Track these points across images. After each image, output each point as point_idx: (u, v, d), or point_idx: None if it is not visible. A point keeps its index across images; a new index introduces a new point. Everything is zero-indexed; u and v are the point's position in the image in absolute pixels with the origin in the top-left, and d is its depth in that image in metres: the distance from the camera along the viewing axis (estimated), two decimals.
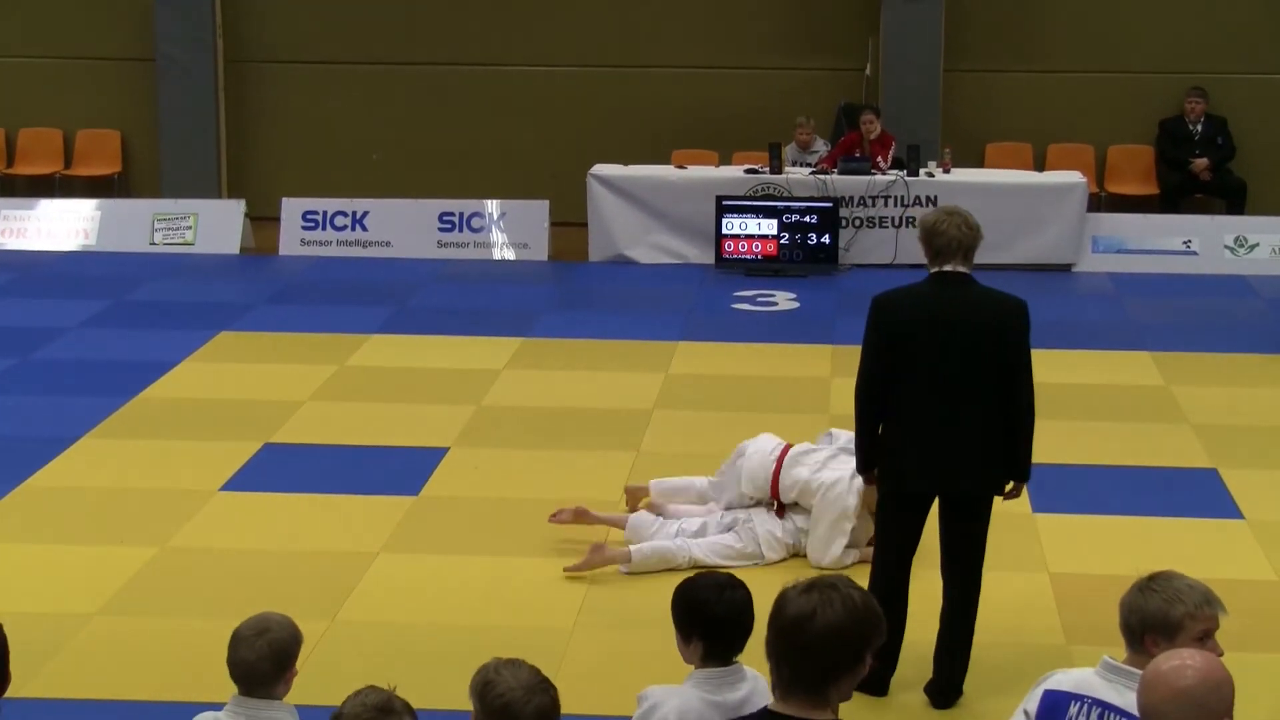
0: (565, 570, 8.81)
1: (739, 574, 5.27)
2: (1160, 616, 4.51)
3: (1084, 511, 9.87)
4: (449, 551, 9.25)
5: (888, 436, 7.29)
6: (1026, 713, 4.62)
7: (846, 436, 8.82)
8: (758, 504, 9.14)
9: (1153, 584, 4.59)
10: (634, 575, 8.79)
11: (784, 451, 9.08)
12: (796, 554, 9.04)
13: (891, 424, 7.27)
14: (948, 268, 7.19)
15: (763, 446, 9.18)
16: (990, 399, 7.16)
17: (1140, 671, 3.98)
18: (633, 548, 8.91)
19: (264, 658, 4.97)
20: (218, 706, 5.09)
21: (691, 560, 8.84)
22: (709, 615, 5.02)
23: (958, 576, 7.39)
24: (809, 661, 3.89)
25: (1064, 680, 4.62)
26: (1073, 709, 4.53)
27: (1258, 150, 17.83)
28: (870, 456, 7.39)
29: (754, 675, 5.14)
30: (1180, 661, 3.84)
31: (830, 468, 8.94)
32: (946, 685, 7.40)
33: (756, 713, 4.06)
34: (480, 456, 10.81)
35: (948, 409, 7.15)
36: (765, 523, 9.04)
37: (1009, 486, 7.38)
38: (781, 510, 9.02)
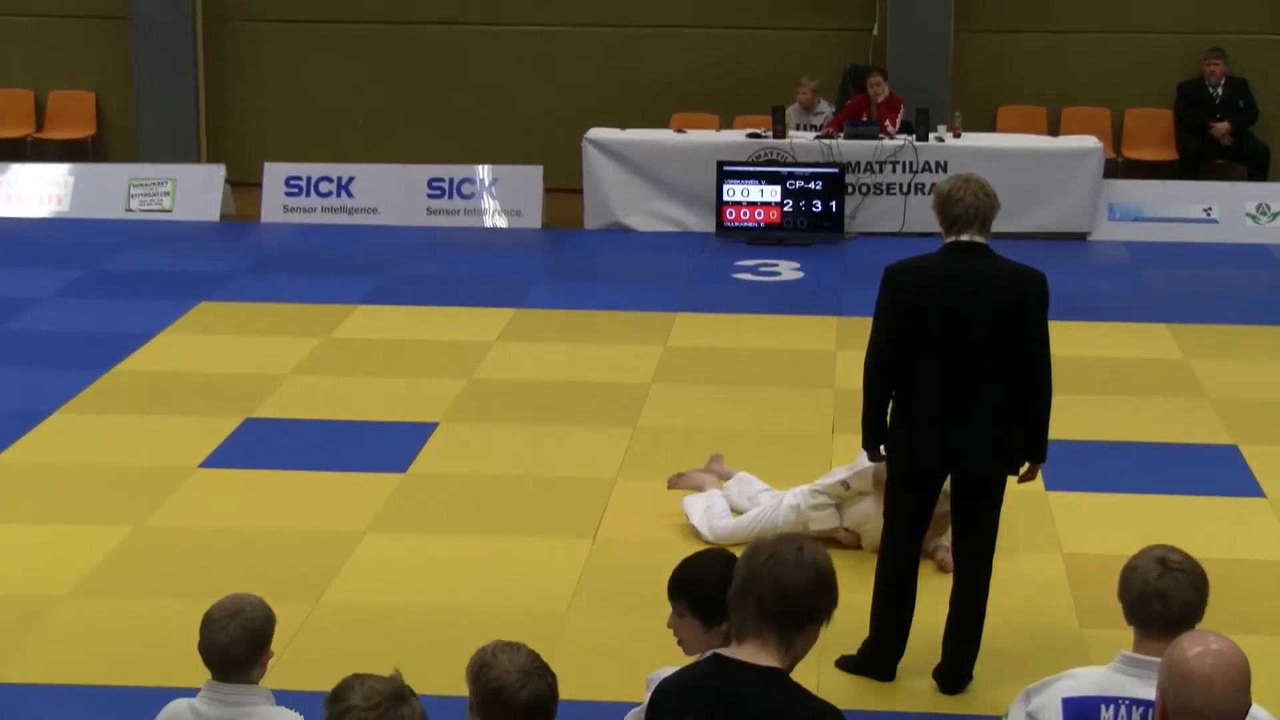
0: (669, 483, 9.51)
1: None
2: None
3: (1099, 490, 9.86)
4: (438, 531, 9.24)
5: (898, 413, 7.26)
6: None
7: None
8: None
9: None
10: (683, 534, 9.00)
11: None
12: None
13: (902, 400, 7.24)
14: (964, 237, 7.17)
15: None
16: (1007, 375, 7.13)
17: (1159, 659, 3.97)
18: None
19: (237, 641, 4.96)
20: (193, 693, 5.08)
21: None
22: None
23: (969, 559, 7.38)
24: (780, 605, 4.01)
25: (1081, 684, 4.56)
26: (1105, 713, 4.49)
27: None
28: (878, 434, 7.37)
29: None
30: (1203, 646, 3.84)
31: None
32: (955, 670, 7.40)
33: (705, 658, 4.16)
34: (471, 432, 10.80)
35: (962, 385, 7.12)
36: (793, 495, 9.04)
37: (1024, 468, 7.36)
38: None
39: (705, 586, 5.03)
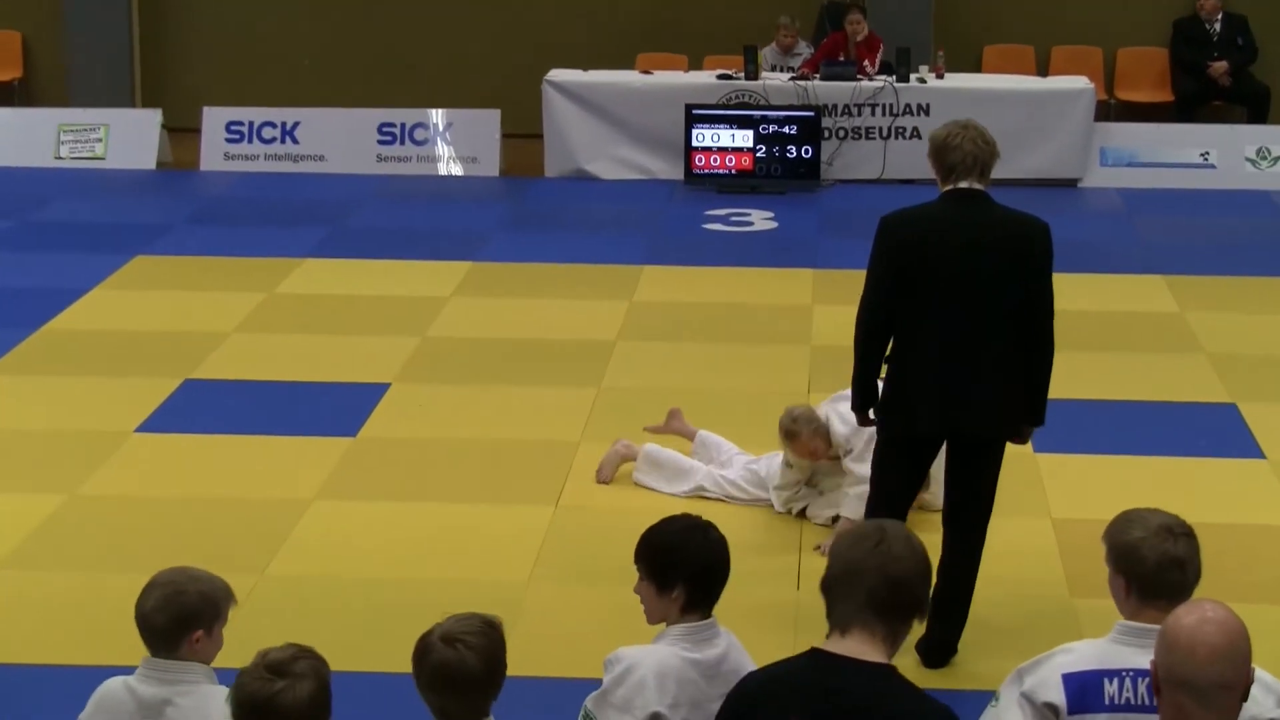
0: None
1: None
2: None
3: (1090, 451, 9.88)
4: (390, 498, 9.23)
5: (894, 373, 7.23)
6: (1045, 703, 4.52)
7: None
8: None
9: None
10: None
11: None
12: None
13: (898, 359, 7.21)
14: (962, 184, 7.14)
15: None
16: (1009, 331, 7.12)
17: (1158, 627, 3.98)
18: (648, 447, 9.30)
19: (156, 609, 4.93)
20: (130, 671, 5.06)
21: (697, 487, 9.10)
22: (694, 559, 5.03)
23: (961, 526, 7.38)
24: (893, 595, 4.01)
25: (1080, 658, 4.57)
26: (1109, 686, 4.50)
27: None
28: (869, 395, 7.35)
29: (727, 632, 5.16)
30: (1199, 614, 3.86)
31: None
32: (940, 643, 7.41)
33: (802, 653, 4.12)
34: (425, 393, 10.78)
35: (963, 341, 7.09)
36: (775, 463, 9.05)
37: (1022, 430, 7.36)
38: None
39: (657, 550, 5.08)
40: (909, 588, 4.05)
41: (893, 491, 7.33)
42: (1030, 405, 7.29)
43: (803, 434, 8.58)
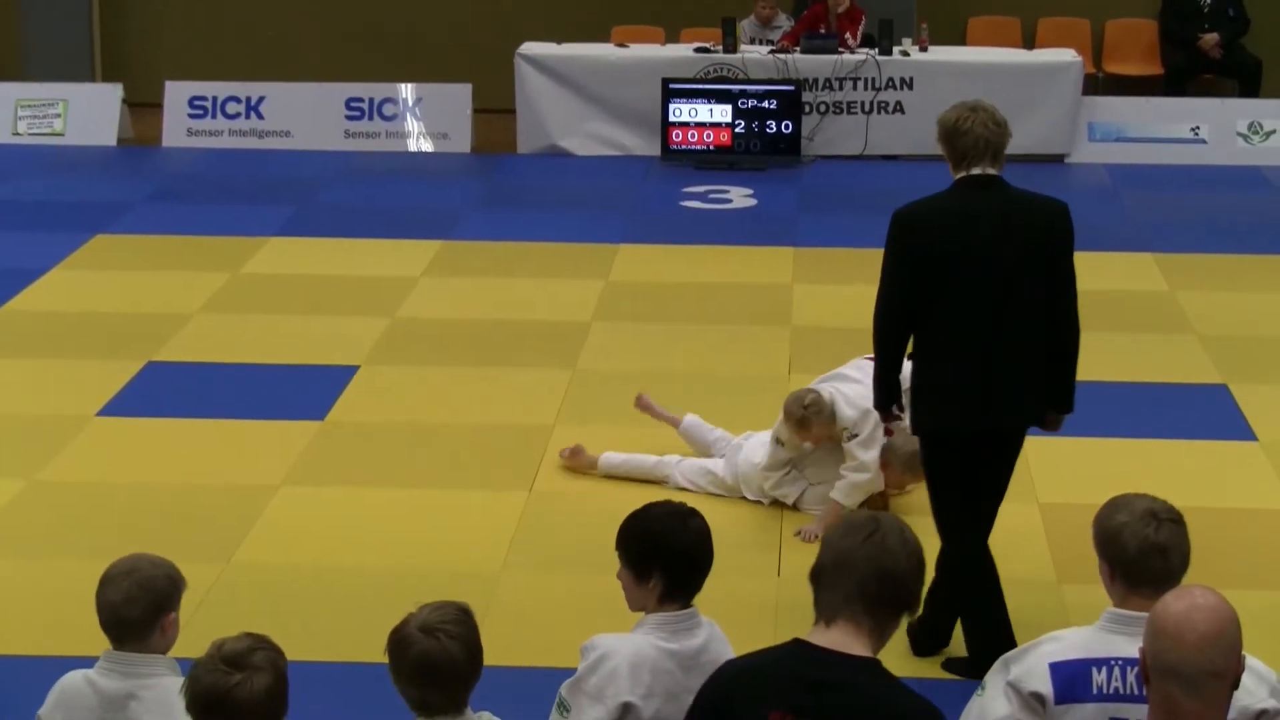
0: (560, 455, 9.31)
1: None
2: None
3: (1077, 434, 9.82)
4: (360, 484, 9.22)
5: (922, 371, 7.21)
6: (1031, 693, 4.52)
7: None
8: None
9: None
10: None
11: None
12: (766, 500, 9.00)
13: (924, 356, 7.20)
14: (975, 170, 7.12)
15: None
16: (1035, 319, 7.10)
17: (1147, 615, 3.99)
18: (603, 456, 9.19)
19: (132, 600, 4.93)
20: (91, 663, 5.05)
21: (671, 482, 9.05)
22: (672, 548, 5.04)
23: (990, 508, 7.37)
24: (883, 588, 4.01)
25: (1067, 647, 4.57)
26: (1097, 676, 4.51)
27: (1274, 24, 17.83)
28: (891, 394, 7.35)
29: (709, 622, 5.16)
30: (1188, 601, 3.87)
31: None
32: (933, 631, 7.41)
33: (785, 643, 4.11)
34: (394, 376, 10.77)
35: (989, 333, 7.07)
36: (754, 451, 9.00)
37: (1050, 417, 7.37)
38: None
39: (635, 538, 5.09)
40: (900, 582, 4.05)
41: (954, 479, 7.25)
42: (1060, 392, 7.27)
43: (814, 424, 8.56)
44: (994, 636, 7.07)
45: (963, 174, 7.14)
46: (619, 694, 4.96)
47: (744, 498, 8.94)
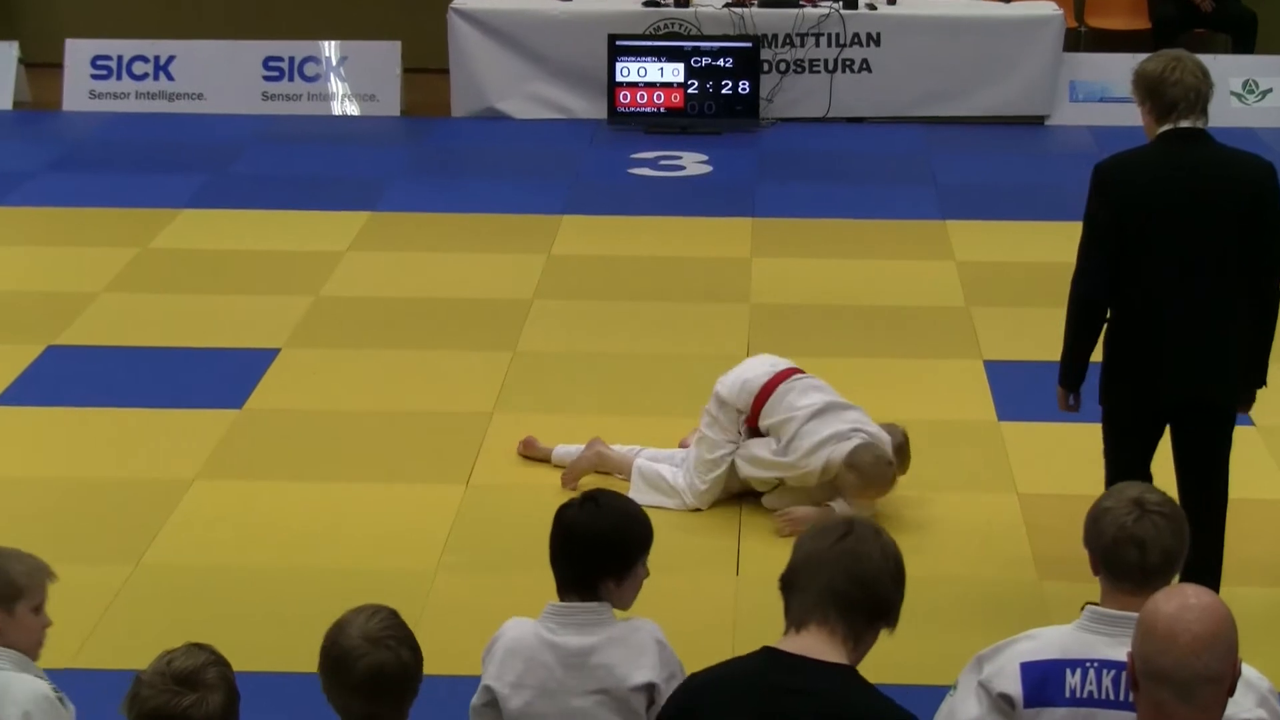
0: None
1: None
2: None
3: (1059, 419, 9.88)
4: (281, 477, 9.22)
5: (1119, 342, 7.30)
6: (1000, 694, 4.55)
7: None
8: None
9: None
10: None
11: (788, 371, 8.90)
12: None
13: (1124, 326, 7.28)
14: (1185, 123, 7.19)
15: (764, 359, 9.04)
16: (1241, 285, 7.20)
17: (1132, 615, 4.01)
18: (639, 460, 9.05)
19: None
20: None
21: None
22: (558, 539, 5.19)
23: (1211, 494, 7.48)
24: (855, 591, 4.05)
25: (1042, 646, 4.60)
26: (1071, 678, 4.53)
27: None
28: (1083, 367, 7.44)
29: (634, 626, 5.18)
30: (1180, 601, 3.88)
31: (828, 422, 8.76)
32: None
33: (755, 652, 4.15)
34: (319, 359, 10.75)
35: (1200, 302, 7.16)
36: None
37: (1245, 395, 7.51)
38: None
39: (555, 538, 5.20)
40: (873, 586, 4.08)
41: (1137, 465, 7.35)
42: (1255, 365, 7.39)
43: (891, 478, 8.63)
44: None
45: (1169, 127, 7.22)
46: (486, 675, 5.17)
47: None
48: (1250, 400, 7.56)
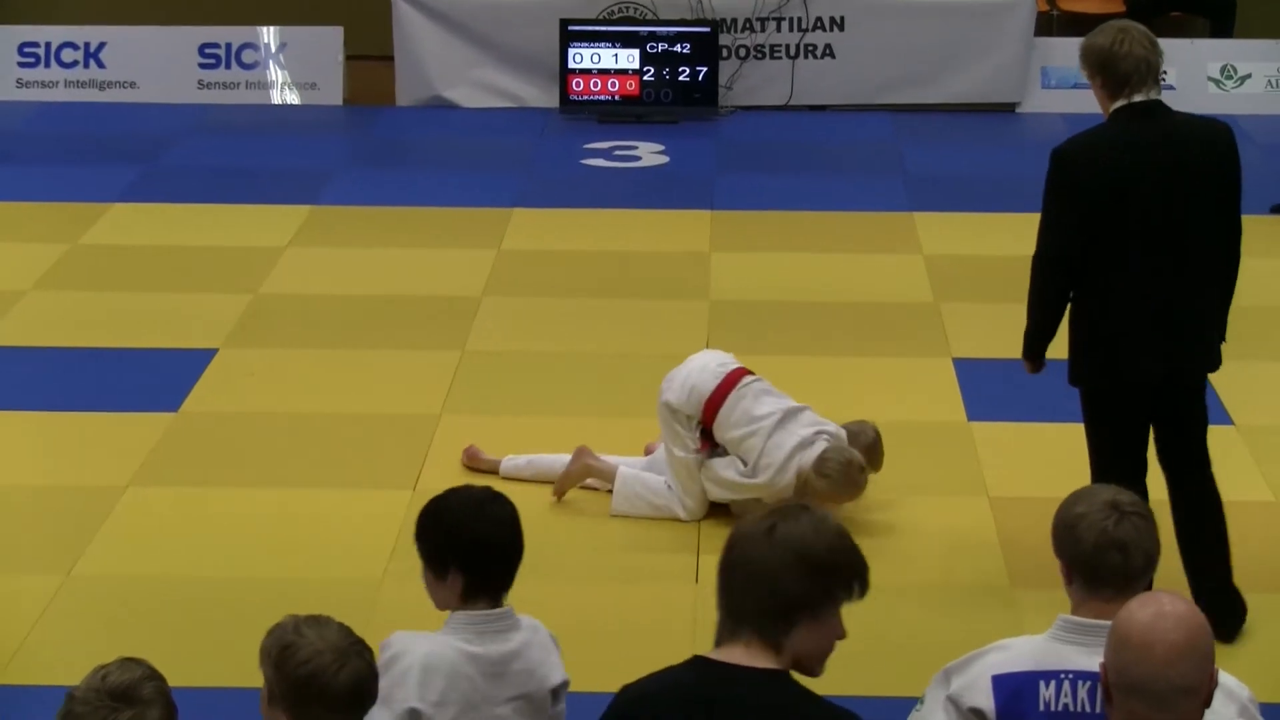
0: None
1: None
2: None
3: (1031, 419, 9.96)
4: (219, 484, 9.21)
5: (1089, 323, 7.42)
6: (971, 708, 4.56)
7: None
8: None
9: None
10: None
11: (737, 373, 8.88)
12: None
13: (1095, 304, 7.40)
14: (1138, 97, 7.32)
15: (709, 358, 9.01)
16: (1206, 252, 7.38)
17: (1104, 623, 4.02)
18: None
19: None
20: None
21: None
22: (466, 539, 5.11)
23: (1193, 467, 7.65)
24: (751, 592, 4.05)
25: (1014, 657, 4.61)
26: (1045, 690, 4.55)
27: None
28: (1045, 345, 7.61)
29: (533, 625, 5.23)
30: (1155, 608, 3.90)
31: (790, 431, 8.75)
32: (1229, 612, 7.65)
33: (687, 661, 4.17)
34: (258, 360, 10.74)
35: (1166, 273, 7.32)
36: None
37: None
38: (705, 445, 8.83)
39: (428, 529, 5.25)
40: (767, 585, 4.08)
41: (1125, 446, 7.54)
42: (1220, 323, 7.61)
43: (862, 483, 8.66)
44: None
45: (1123, 102, 7.35)
46: (406, 699, 5.07)
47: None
48: (1219, 360, 7.69)
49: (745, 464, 8.64)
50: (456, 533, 5.14)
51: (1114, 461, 7.54)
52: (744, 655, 4.07)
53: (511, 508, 5.24)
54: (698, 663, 4.11)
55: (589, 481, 9.02)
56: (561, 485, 8.95)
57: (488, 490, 5.28)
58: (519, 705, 5.17)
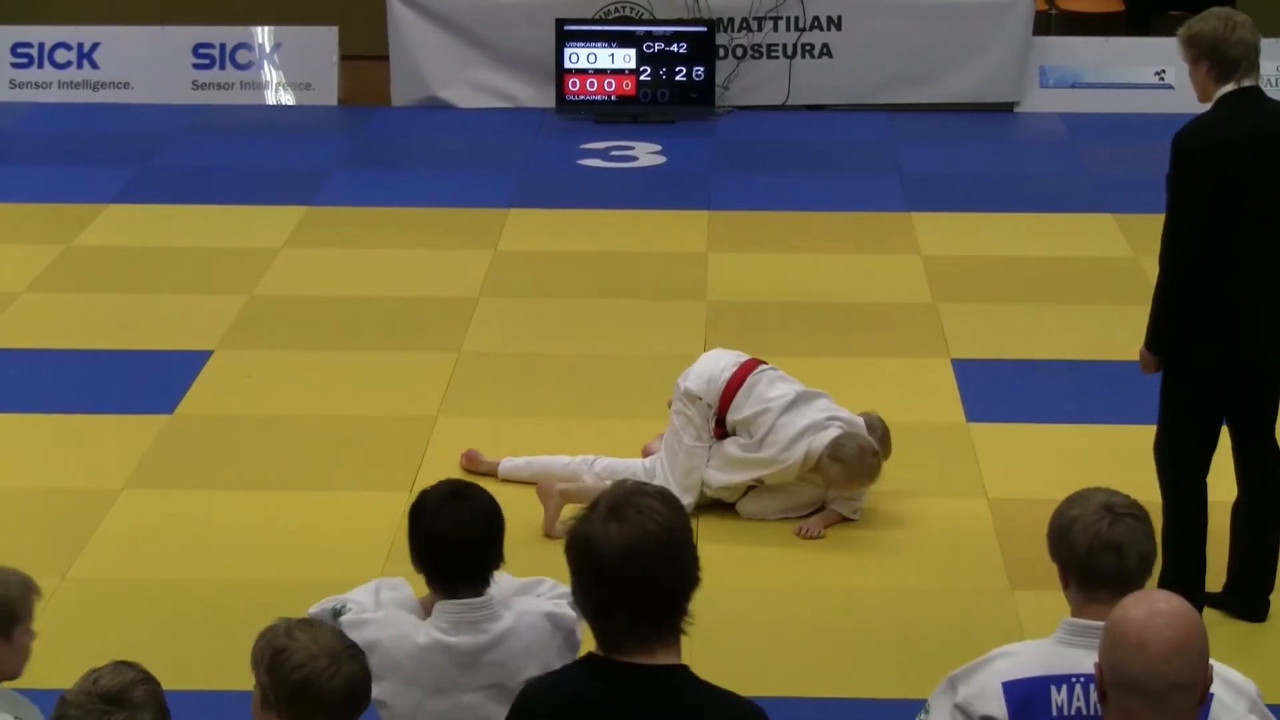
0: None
1: None
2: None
3: (1029, 419, 9.97)
4: (215, 486, 9.21)
5: (1205, 308, 7.48)
6: (983, 716, 4.55)
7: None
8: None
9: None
10: None
11: (753, 362, 8.94)
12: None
13: (1208, 291, 7.45)
14: (1246, 82, 7.42)
15: (725, 352, 9.07)
16: None
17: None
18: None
19: None
20: None
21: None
22: (423, 534, 5.25)
23: (1263, 453, 7.76)
24: (621, 578, 4.01)
25: (1022, 663, 4.61)
26: (1057, 695, 4.55)
27: None
28: (1170, 335, 7.59)
29: (520, 615, 5.25)
30: (1148, 606, 3.91)
31: (803, 413, 8.79)
32: (1246, 602, 7.68)
33: (581, 660, 4.19)
34: (253, 361, 10.75)
35: (1270, 259, 7.46)
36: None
37: None
38: (719, 432, 8.87)
39: (410, 524, 5.34)
40: (612, 574, 4.01)
41: (1204, 431, 7.68)
42: None
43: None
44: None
45: (1231, 87, 7.44)
46: (344, 607, 5.31)
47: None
48: None
49: (750, 438, 8.69)
50: (414, 528, 5.27)
51: (1188, 448, 7.70)
52: (636, 649, 4.04)
53: (480, 505, 5.27)
54: (591, 661, 4.10)
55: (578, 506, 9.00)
56: (549, 527, 8.74)
57: (457, 487, 5.36)
58: (492, 693, 5.22)
